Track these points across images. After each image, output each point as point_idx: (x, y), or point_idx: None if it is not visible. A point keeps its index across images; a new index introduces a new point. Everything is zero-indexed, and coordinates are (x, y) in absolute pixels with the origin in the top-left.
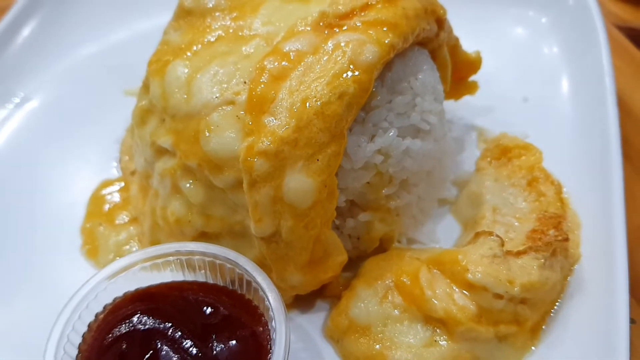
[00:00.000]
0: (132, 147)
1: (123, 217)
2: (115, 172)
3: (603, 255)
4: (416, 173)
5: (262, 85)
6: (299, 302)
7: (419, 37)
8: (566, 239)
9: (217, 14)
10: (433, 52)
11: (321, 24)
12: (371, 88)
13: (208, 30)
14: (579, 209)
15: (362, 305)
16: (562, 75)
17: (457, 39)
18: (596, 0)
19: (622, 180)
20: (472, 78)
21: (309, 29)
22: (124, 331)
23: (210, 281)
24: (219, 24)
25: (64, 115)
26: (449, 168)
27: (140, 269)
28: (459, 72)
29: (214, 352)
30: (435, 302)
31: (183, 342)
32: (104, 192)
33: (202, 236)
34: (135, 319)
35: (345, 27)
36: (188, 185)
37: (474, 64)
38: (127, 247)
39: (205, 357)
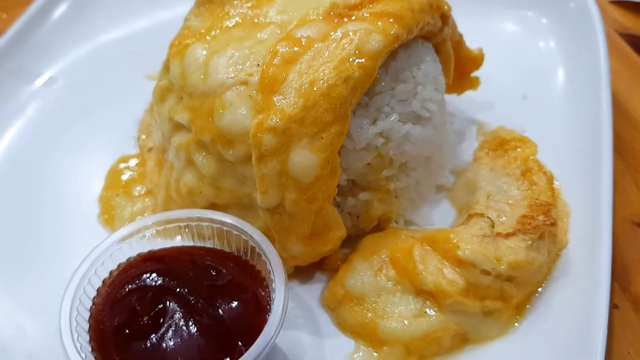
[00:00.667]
0: (150, 126)
1: (139, 190)
2: (133, 150)
3: (589, 242)
4: (415, 157)
5: (274, 68)
6: (299, 273)
7: (423, 31)
8: (553, 224)
9: (235, 2)
10: (437, 46)
11: (332, 13)
12: (375, 74)
13: (226, 16)
14: (570, 199)
15: (357, 277)
16: (561, 73)
17: (461, 36)
18: (596, 3)
19: (611, 174)
20: (475, 74)
21: (320, 18)
22: (136, 287)
23: (218, 247)
24: (237, 11)
25: (87, 96)
26: (448, 156)
27: (153, 232)
28: (462, 68)
29: (218, 310)
30: (426, 275)
31: (190, 300)
32: (121, 166)
33: (212, 207)
34: (146, 277)
35: (354, 17)
36: (201, 158)
37: (476, 60)
38: (141, 217)
39: (210, 315)
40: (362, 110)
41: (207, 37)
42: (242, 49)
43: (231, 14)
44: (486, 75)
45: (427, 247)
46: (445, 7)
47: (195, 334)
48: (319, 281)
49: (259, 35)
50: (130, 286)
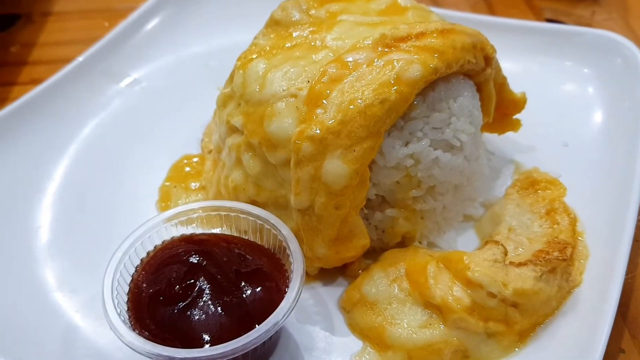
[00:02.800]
0: (213, 130)
1: (194, 184)
2: (196, 150)
3: (602, 285)
4: (443, 183)
5: (320, 85)
6: (323, 276)
7: (463, 68)
8: (565, 260)
9: (299, 26)
10: (479, 85)
11: (380, 43)
12: (411, 100)
13: (289, 38)
14: (591, 242)
15: (373, 284)
16: (601, 124)
17: (504, 78)
18: None
19: (634, 224)
20: (517, 117)
21: (369, 45)
22: (172, 262)
23: (252, 239)
24: (298, 34)
25: (164, 99)
26: (479, 189)
27: (200, 218)
28: (504, 109)
29: (242, 293)
30: (435, 290)
31: (218, 280)
32: (184, 163)
33: (253, 203)
34: (183, 254)
35: (399, 48)
36: (248, 158)
37: (519, 103)
38: None
39: (233, 295)
40: (397, 132)
41: (269, 54)
42: (296, 66)
43: (293, 36)
44: (529, 120)
45: (441, 265)
46: (490, 50)
47: (218, 309)
48: (340, 285)
49: (313, 56)
50: (168, 260)
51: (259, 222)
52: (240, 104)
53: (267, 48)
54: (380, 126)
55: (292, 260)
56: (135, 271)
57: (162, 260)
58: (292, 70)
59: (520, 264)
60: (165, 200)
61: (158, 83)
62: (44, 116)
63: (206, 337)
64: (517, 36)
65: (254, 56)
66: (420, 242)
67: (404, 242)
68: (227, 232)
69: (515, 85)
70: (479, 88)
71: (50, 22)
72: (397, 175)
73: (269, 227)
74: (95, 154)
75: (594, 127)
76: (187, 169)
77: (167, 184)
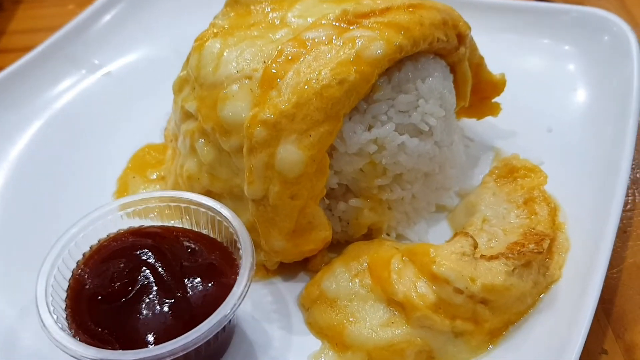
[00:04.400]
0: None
1: (154, 174)
2: (160, 139)
3: (582, 280)
4: (411, 170)
5: (276, 65)
6: (284, 270)
7: (433, 46)
8: (540, 252)
9: (259, 4)
10: (453, 66)
11: (342, 20)
12: (373, 81)
13: (248, 16)
14: (573, 234)
15: (334, 279)
16: (587, 106)
17: (481, 58)
18: (636, 41)
19: (619, 216)
20: (497, 100)
21: (330, 23)
22: (116, 256)
23: (205, 232)
24: (258, 13)
25: (129, 87)
26: (454, 178)
27: (143, 208)
28: (482, 92)
29: (187, 289)
30: (398, 286)
31: (163, 276)
32: (145, 152)
33: (208, 194)
34: (128, 249)
35: (362, 25)
36: (202, 146)
37: (497, 85)
38: None
39: (177, 292)
40: (358, 116)
41: (227, 34)
42: (253, 46)
43: (253, 15)
44: (510, 104)
45: (406, 259)
46: (463, 27)
47: (161, 307)
48: (302, 281)
49: (272, 35)
50: (111, 255)
51: (211, 213)
52: (194, 88)
53: (226, 27)
54: (338, 109)
55: (242, 254)
56: (77, 266)
57: (105, 255)
58: (248, 50)
59: (491, 258)
60: (122, 191)
61: (124, 70)
62: (2, 105)
63: (148, 337)
64: (497, 14)
65: (210, 37)
66: (388, 235)
67: (370, 235)
68: (178, 224)
69: (495, 67)
70: (453, 69)
71: (21, 10)
72: (360, 163)
73: (220, 219)
74: (53, 144)
75: (580, 111)
76: (148, 158)
77: (125, 174)
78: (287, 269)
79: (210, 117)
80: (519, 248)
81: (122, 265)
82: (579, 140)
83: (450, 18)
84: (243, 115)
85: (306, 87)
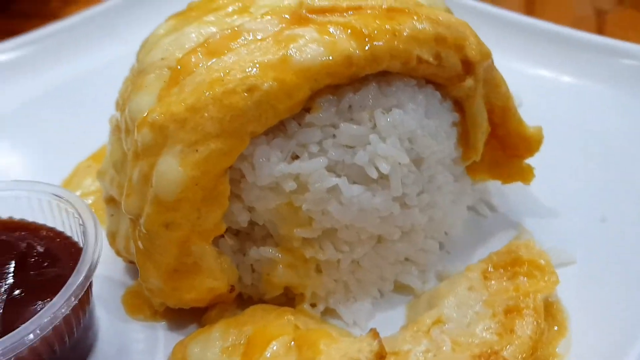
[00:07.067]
0: None
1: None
2: None
3: None
4: (350, 228)
5: (193, 57)
6: (175, 315)
7: (409, 66)
8: None
9: None
10: (460, 102)
11: (295, 13)
12: (301, 96)
13: (212, 4)
14: None
15: (204, 345)
16: None
17: (508, 99)
18: None
19: None
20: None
21: (282, 15)
22: None
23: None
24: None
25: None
26: (433, 253)
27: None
28: (511, 148)
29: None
30: None
31: None
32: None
33: (110, 201)
34: None
35: (313, 22)
36: (113, 141)
37: (530, 141)
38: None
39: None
40: (280, 140)
41: (185, 16)
42: (195, 31)
43: (220, 3)
44: (553, 168)
45: (292, 345)
46: (472, 51)
47: None
48: (189, 333)
49: (226, 22)
50: None
51: (57, 202)
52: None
53: (186, 11)
54: (240, 123)
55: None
56: None
57: None
58: (182, 37)
59: None
60: (71, 176)
61: None
62: None
63: None
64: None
65: (172, 18)
66: (313, 306)
67: (291, 301)
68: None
69: (533, 115)
70: (458, 106)
71: None
72: (273, 201)
73: (64, 205)
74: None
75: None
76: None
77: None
78: (179, 315)
79: (124, 107)
80: None
81: None
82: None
83: (452, 36)
84: (145, 112)
85: (207, 89)
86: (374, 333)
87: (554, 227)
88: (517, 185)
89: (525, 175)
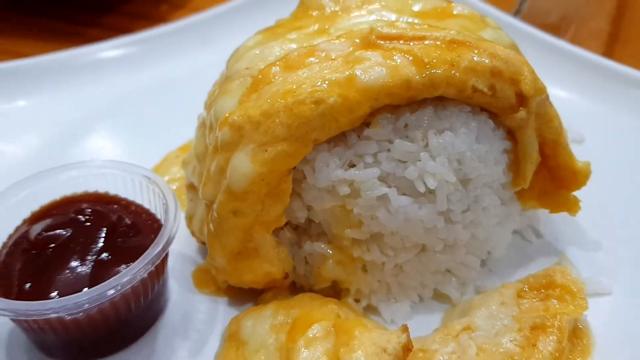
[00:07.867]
0: None
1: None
2: None
3: None
4: (395, 234)
5: (273, 69)
6: (235, 293)
7: (464, 95)
8: None
9: (322, 9)
10: (513, 132)
11: (365, 38)
12: (361, 112)
13: (304, 19)
14: None
15: (256, 320)
16: None
17: (560, 134)
18: None
19: None
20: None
21: (357, 40)
22: (49, 216)
23: (139, 201)
24: (316, 15)
25: None
26: (473, 269)
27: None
28: (559, 180)
29: (107, 254)
30: (299, 356)
31: (85, 239)
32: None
33: (191, 187)
34: (53, 220)
35: (381, 47)
36: (198, 135)
37: (577, 175)
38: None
39: (98, 254)
40: (340, 149)
41: (272, 32)
42: (278, 47)
43: (306, 18)
44: (602, 202)
45: (331, 329)
46: (526, 86)
47: (81, 261)
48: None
49: (306, 41)
50: (47, 215)
51: (145, 182)
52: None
53: (280, 25)
54: (305, 130)
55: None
56: (23, 223)
57: (44, 214)
58: (267, 50)
59: None
60: (161, 163)
61: None
62: None
63: (52, 292)
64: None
65: (262, 32)
66: (357, 301)
67: (337, 294)
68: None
69: (586, 150)
70: (511, 135)
71: None
72: (329, 202)
73: (152, 187)
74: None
75: None
76: None
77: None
78: (239, 293)
79: (209, 107)
80: None
81: (50, 223)
82: None
83: (508, 70)
84: (226, 113)
85: (281, 98)
86: (404, 328)
87: (596, 259)
88: (565, 216)
89: (571, 206)
